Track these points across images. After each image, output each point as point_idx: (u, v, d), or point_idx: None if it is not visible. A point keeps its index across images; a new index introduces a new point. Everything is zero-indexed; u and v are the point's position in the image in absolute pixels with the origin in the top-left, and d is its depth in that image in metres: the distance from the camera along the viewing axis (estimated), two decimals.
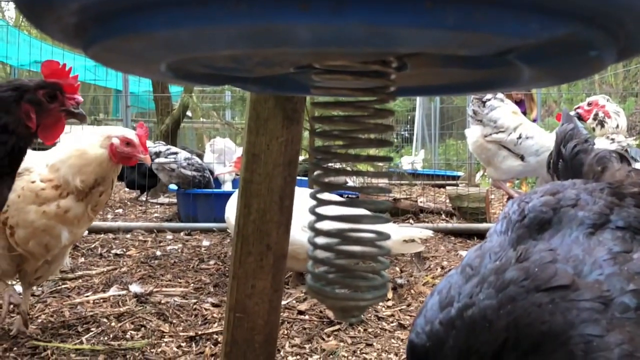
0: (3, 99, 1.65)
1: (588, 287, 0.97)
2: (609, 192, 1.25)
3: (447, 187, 6.83)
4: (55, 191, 2.32)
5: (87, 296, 3.02)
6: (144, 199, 6.86)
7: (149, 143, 6.51)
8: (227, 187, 5.73)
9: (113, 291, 3.08)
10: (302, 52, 0.63)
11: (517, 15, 0.42)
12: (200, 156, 6.47)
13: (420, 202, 6.16)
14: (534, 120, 7.13)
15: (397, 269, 3.74)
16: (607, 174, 1.41)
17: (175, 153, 5.76)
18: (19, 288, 2.67)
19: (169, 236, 4.71)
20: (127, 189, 7.37)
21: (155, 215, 5.96)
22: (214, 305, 2.93)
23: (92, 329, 2.56)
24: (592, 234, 1.12)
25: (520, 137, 4.87)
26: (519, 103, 7.80)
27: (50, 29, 0.53)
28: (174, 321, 2.69)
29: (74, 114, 1.86)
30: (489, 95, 4.93)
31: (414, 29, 0.41)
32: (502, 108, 4.96)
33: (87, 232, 4.80)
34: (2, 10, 16.87)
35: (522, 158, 4.92)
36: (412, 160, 11.31)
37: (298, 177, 1.60)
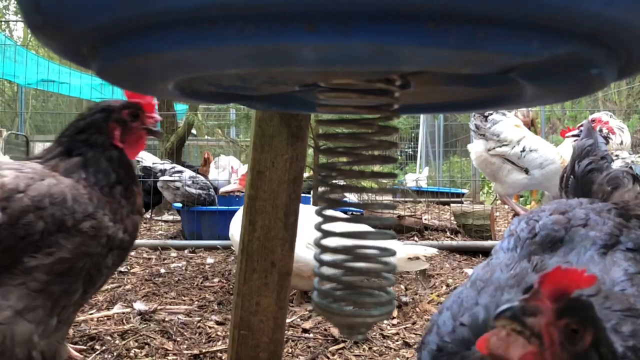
0: (95, 121, 1.78)
1: (617, 298, 1.00)
2: (616, 213, 1.27)
3: (452, 205, 6.81)
4: None
5: (91, 314, 3.01)
6: (148, 216, 6.87)
7: (154, 159, 6.55)
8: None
9: (117, 309, 3.07)
10: (307, 71, 0.64)
11: (519, 34, 0.43)
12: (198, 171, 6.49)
13: (425, 219, 6.14)
14: None
15: (402, 286, 3.72)
16: (616, 194, 1.42)
17: (180, 171, 5.78)
18: None
19: (173, 254, 4.71)
20: None
21: (160, 232, 5.96)
22: (218, 323, 2.92)
23: (96, 347, 2.55)
24: (605, 254, 1.15)
25: (523, 150, 4.86)
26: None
27: (61, 49, 0.55)
28: (178, 339, 2.68)
29: (153, 132, 1.93)
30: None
31: (417, 48, 0.42)
32: (504, 122, 4.97)
33: None
34: (10, 30, 17.12)
35: (526, 171, 4.91)
36: (416, 177, 11.31)
37: (302, 194, 1.60)
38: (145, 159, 6.40)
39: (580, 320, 0.81)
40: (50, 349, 1.66)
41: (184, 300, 3.36)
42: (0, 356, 1.52)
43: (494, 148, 4.99)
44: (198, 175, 5.88)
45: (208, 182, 5.82)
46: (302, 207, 1.54)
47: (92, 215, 1.65)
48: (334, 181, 0.74)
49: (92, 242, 1.66)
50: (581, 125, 4.56)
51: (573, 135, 4.64)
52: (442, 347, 1.04)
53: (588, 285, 0.82)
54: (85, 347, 2.53)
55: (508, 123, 4.97)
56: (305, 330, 2.87)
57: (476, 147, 5.15)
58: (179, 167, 6.00)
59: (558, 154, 4.79)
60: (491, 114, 4.98)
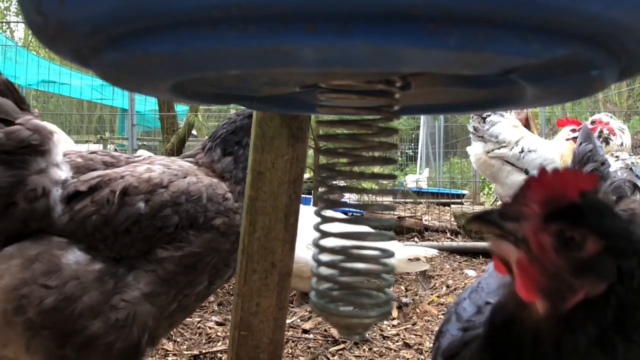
0: (245, 125, 1.98)
1: None
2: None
3: (452, 206, 6.81)
4: None
5: None
6: None
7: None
8: None
9: None
10: (308, 72, 0.65)
11: (519, 35, 0.43)
12: None
13: (425, 220, 6.14)
14: None
15: (402, 287, 3.71)
16: (622, 203, 1.44)
17: None
18: None
19: None
20: None
21: None
22: (218, 323, 2.92)
23: None
24: None
25: (522, 151, 4.86)
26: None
27: (62, 50, 0.55)
28: (178, 340, 2.68)
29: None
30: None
31: (418, 50, 0.42)
32: (502, 123, 4.96)
33: None
34: (11, 31, 17.13)
35: (526, 172, 4.90)
36: (416, 178, 11.31)
37: (302, 195, 1.60)
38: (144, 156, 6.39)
39: (575, 225, 0.73)
40: (156, 333, 1.82)
41: None
42: (120, 330, 1.65)
43: (492, 150, 4.99)
44: None
45: None
46: (302, 208, 1.54)
47: (224, 213, 1.80)
48: (334, 182, 0.74)
49: (221, 239, 1.79)
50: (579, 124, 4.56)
51: (572, 134, 4.63)
52: (467, 327, 1.02)
53: (590, 187, 0.74)
54: None
55: (506, 124, 4.97)
56: (305, 331, 2.87)
57: (475, 150, 5.15)
58: None
59: (558, 153, 4.78)
60: (489, 116, 4.98)
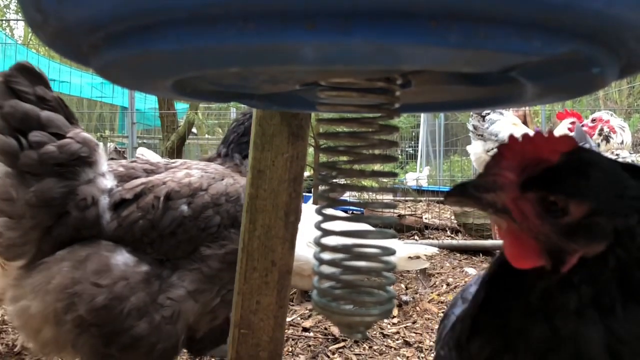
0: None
1: None
2: None
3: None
4: None
5: None
6: None
7: (155, 156, 6.53)
8: None
9: None
10: (308, 70, 0.64)
11: (520, 33, 0.43)
12: None
13: (425, 218, 6.14)
14: None
15: (403, 285, 3.72)
16: None
17: None
18: None
19: None
20: None
21: None
22: None
23: None
24: None
25: None
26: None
27: (62, 48, 0.55)
28: None
29: None
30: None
31: (418, 47, 0.42)
32: (501, 121, 4.96)
33: None
34: (11, 29, 17.11)
35: None
36: (416, 176, 11.31)
37: (303, 193, 1.60)
38: (145, 154, 6.38)
39: (554, 190, 0.68)
40: (197, 327, 1.92)
41: None
42: (162, 331, 1.74)
43: (492, 149, 4.99)
44: None
45: None
46: (302, 206, 1.54)
47: None
48: (334, 180, 0.74)
49: None
50: (582, 125, 4.55)
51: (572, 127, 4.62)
52: None
53: (566, 149, 0.69)
54: None
55: (505, 122, 4.96)
56: (305, 329, 2.87)
57: (475, 149, 5.15)
58: None
59: None
60: (488, 114, 4.98)
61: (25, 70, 1.76)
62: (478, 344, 0.76)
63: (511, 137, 0.73)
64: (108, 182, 1.83)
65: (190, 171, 1.93)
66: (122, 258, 1.73)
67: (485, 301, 0.78)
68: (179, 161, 2.07)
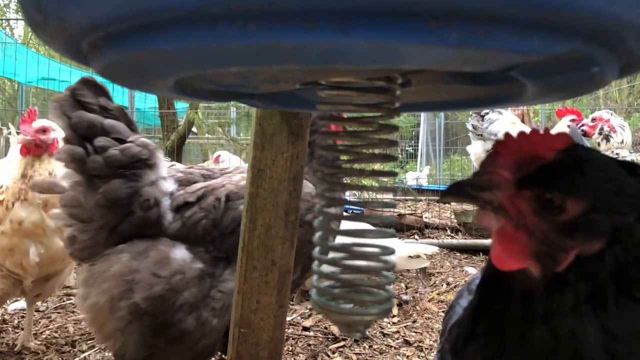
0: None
1: None
2: None
3: (452, 203, 6.81)
4: (1, 207, 2.30)
5: None
6: None
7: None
8: None
9: None
10: (308, 69, 0.64)
11: (520, 32, 0.43)
12: None
13: (425, 217, 6.14)
14: None
15: (403, 285, 3.72)
16: None
17: None
18: (23, 304, 2.67)
19: None
20: None
21: None
22: None
23: (96, 345, 2.55)
24: None
25: None
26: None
27: (62, 47, 0.55)
28: None
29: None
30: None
31: (418, 47, 0.42)
32: (500, 120, 4.95)
33: None
34: (11, 28, 17.11)
35: None
36: (416, 176, 11.31)
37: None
38: None
39: (550, 188, 0.68)
40: None
41: None
42: (211, 320, 1.84)
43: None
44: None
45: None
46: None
47: (312, 208, 1.96)
48: (334, 179, 0.74)
49: (313, 232, 1.92)
50: (582, 125, 4.54)
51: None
52: None
53: (562, 146, 0.69)
54: (44, 348, 2.53)
55: (505, 121, 4.95)
56: (305, 329, 2.87)
57: (475, 149, 5.15)
58: (179, 166, 5.98)
59: None
60: (487, 113, 4.97)
61: (89, 84, 1.92)
62: (474, 348, 0.76)
63: (507, 134, 0.73)
64: (169, 185, 1.97)
65: (245, 174, 2.00)
66: (180, 253, 1.84)
67: (479, 305, 0.78)
68: (232, 166, 2.21)
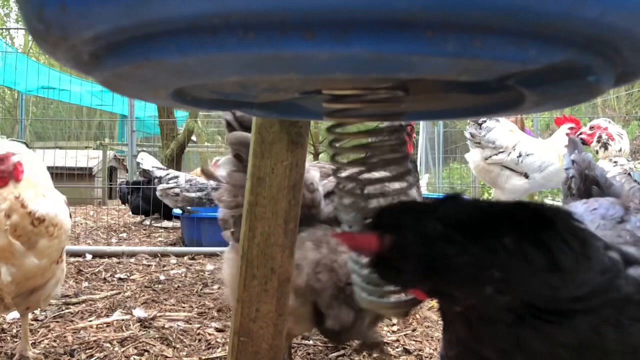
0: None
1: None
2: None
3: None
4: None
5: (90, 321, 3.00)
6: (148, 223, 6.86)
7: (154, 162, 6.51)
8: None
9: (116, 316, 3.06)
10: (307, 78, 0.65)
11: (516, 42, 0.43)
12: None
13: None
14: None
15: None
16: None
17: (176, 177, 5.77)
18: (17, 314, 2.66)
19: (173, 260, 4.70)
20: (131, 214, 7.38)
21: (159, 239, 5.95)
22: (217, 330, 2.91)
23: (95, 354, 2.54)
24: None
25: (520, 156, 4.83)
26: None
27: (63, 57, 0.55)
28: (178, 346, 2.67)
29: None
30: None
31: (415, 56, 0.43)
32: (498, 128, 4.95)
33: (91, 256, 4.78)
34: (11, 38, 17.17)
35: (525, 176, 4.89)
36: None
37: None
38: (145, 159, 6.35)
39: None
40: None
41: (184, 307, 3.35)
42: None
43: (490, 156, 4.98)
44: (194, 177, 5.86)
45: (206, 183, 5.79)
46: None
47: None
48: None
49: None
50: (580, 133, 4.54)
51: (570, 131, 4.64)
52: None
53: (376, 248, 0.73)
54: (42, 358, 2.52)
55: (502, 129, 4.96)
56: (305, 337, 2.86)
57: (473, 157, 5.14)
58: (174, 173, 5.97)
59: (556, 153, 4.77)
60: (485, 121, 4.97)
61: None
62: None
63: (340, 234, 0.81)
64: (316, 174, 2.14)
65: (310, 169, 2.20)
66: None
67: (462, 331, 0.88)
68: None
